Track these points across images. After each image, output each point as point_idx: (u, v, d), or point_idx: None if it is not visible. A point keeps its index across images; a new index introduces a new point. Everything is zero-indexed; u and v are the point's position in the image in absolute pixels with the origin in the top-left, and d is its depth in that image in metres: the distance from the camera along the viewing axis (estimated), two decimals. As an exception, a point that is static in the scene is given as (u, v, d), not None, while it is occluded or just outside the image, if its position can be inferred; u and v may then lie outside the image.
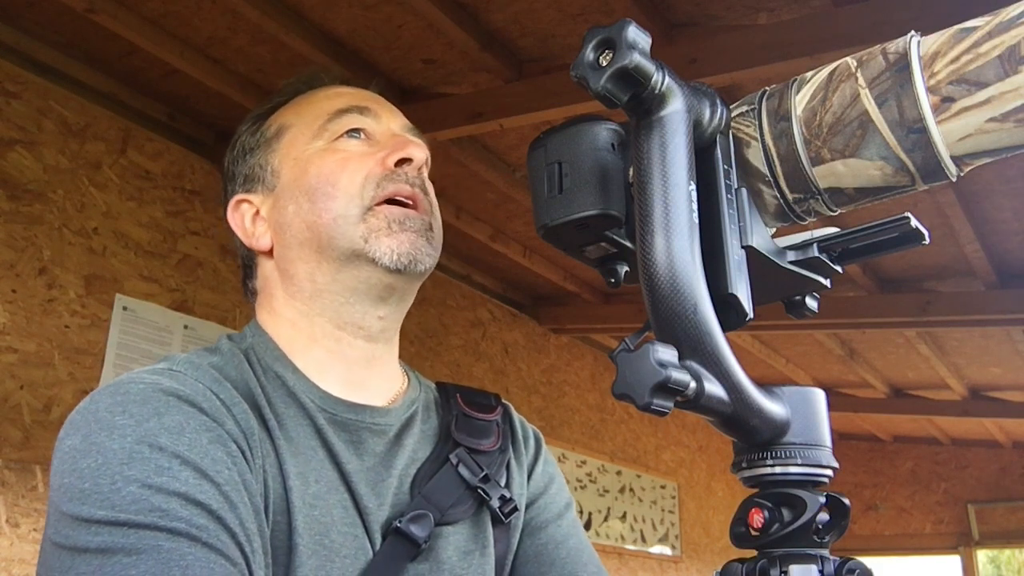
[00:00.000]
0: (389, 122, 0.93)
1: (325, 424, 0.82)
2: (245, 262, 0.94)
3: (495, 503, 0.87)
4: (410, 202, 0.87)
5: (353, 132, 0.90)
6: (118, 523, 0.63)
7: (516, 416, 0.99)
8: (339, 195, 0.85)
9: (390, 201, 0.86)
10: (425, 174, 0.93)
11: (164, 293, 2.80)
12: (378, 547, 0.79)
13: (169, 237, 2.84)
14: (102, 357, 2.61)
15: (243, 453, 0.73)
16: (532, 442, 0.99)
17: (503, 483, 0.90)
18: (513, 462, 0.94)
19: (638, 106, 0.55)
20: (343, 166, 0.87)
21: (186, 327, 2.83)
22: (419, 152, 0.88)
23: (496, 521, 0.88)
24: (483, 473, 0.87)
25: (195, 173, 2.96)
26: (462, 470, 0.86)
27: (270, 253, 0.90)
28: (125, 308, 2.68)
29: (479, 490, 0.86)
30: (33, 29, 2.49)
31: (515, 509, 0.89)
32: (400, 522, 0.80)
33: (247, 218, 0.91)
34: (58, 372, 2.51)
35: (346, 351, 0.87)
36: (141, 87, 2.77)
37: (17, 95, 2.52)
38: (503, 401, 0.99)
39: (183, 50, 2.49)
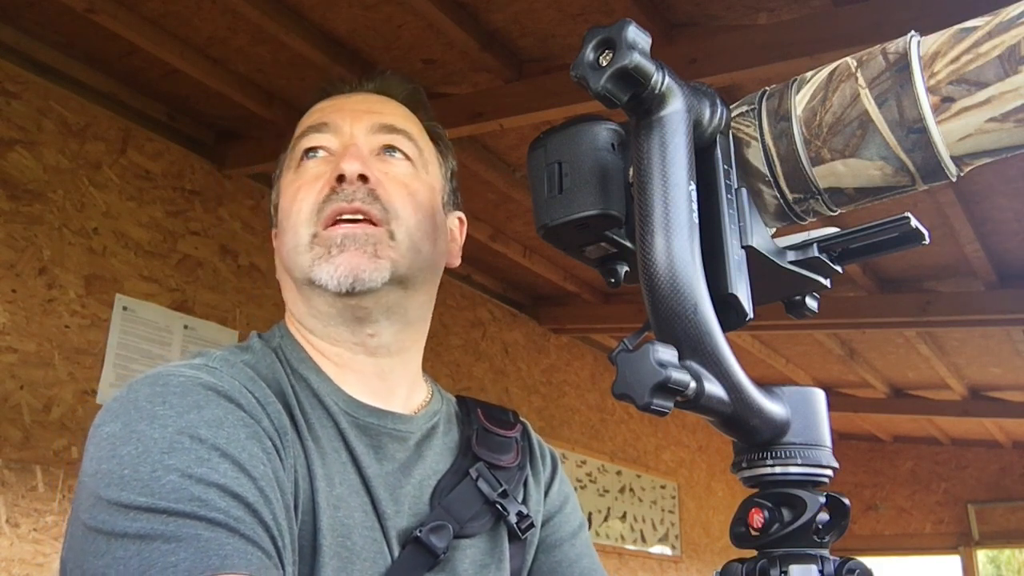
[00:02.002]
0: (353, 129, 0.89)
1: (348, 427, 0.83)
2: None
3: (512, 518, 0.87)
4: (360, 217, 0.83)
5: (310, 152, 0.88)
6: (158, 510, 0.64)
7: (534, 435, 1.00)
8: (291, 226, 0.86)
9: (339, 221, 0.84)
10: (395, 169, 0.88)
11: (164, 293, 2.80)
12: (395, 553, 0.80)
13: (169, 237, 2.84)
14: (102, 357, 2.61)
15: (277, 451, 0.74)
16: (549, 461, 1.00)
17: (520, 499, 0.91)
18: (531, 479, 0.95)
19: (638, 106, 0.55)
20: (296, 195, 0.86)
21: (186, 327, 2.83)
22: (349, 165, 0.83)
23: (513, 536, 0.89)
24: (502, 488, 0.88)
25: (195, 173, 2.95)
26: (481, 484, 0.87)
27: None
28: (125, 308, 2.68)
29: (497, 505, 0.87)
30: (33, 29, 2.49)
31: (532, 525, 0.90)
32: (420, 531, 0.80)
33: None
34: (58, 372, 2.51)
35: (353, 365, 0.87)
36: (141, 87, 2.77)
37: (17, 95, 2.52)
38: (522, 419, 1.00)
39: (183, 50, 2.49)
